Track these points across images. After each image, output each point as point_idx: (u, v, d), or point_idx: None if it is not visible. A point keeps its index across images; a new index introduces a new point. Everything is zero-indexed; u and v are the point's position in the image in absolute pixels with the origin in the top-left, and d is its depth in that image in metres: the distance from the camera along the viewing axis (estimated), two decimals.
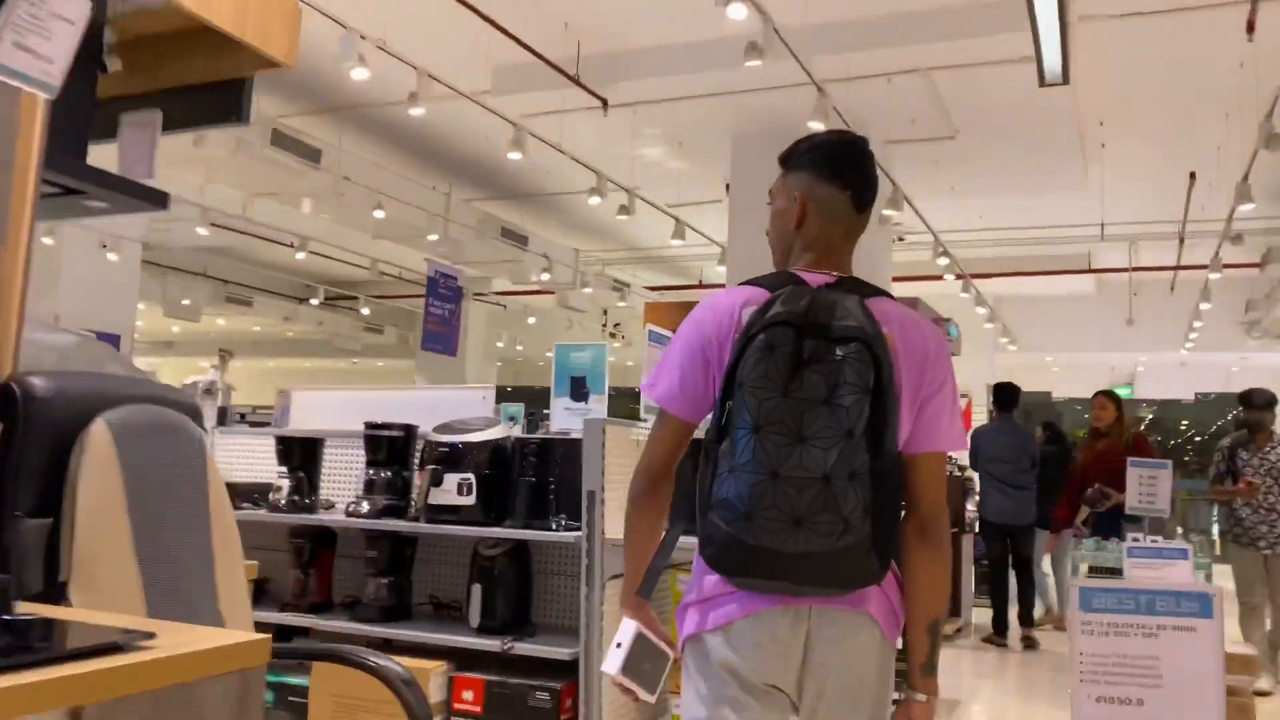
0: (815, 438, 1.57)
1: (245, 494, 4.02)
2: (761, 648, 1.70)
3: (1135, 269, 12.60)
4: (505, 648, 3.31)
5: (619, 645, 1.84)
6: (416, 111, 5.95)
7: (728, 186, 8.78)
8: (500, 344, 16.68)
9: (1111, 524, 6.11)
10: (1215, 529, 11.72)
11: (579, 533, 3.23)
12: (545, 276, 10.56)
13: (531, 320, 14.75)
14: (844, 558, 1.59)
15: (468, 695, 3.31)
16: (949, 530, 1.79)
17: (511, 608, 3.49)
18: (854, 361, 1.60)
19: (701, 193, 10.04)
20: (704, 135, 8.60)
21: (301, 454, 3.94)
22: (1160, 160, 9.30)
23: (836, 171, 1.84)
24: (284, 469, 3.93)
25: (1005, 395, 7.36)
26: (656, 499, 1.90)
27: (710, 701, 1.75)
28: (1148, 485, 5.98)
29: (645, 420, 3.62)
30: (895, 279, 9.26)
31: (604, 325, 16.27)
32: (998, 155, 8.96)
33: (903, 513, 1.78)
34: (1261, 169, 7.92)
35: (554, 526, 3.36)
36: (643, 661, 1.84)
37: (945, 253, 9.60)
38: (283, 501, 3.89)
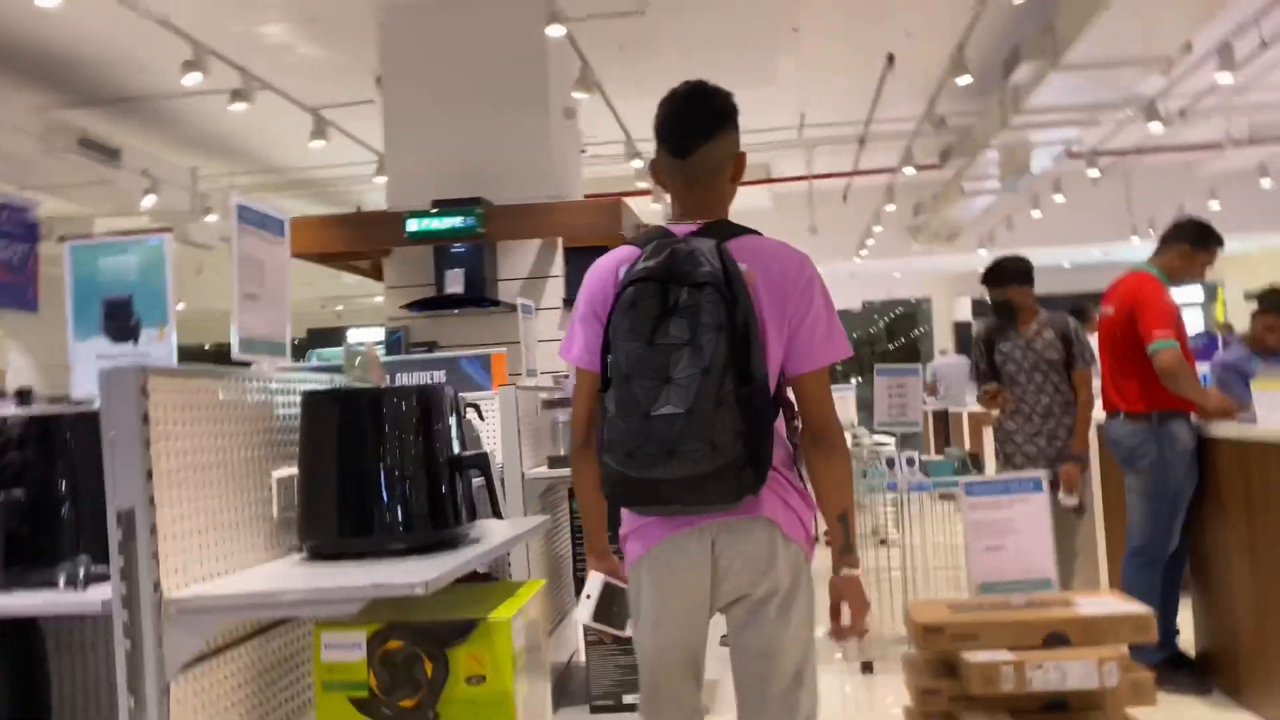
0: (680, 377, 1.75)
1: None
2: (675, 565, 1.94)
3: (815, 176, 12.25)
4: None
5: (588, 596, 2.12)
6: None
7: (379, 80, 7.09)
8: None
9: None
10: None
11: (107, 591, 1.64)
12: (150, 201, 8.30)
13: None
14: (718, 477, 1.77)
15: None
16: (842, 435, 1.98)
17: None
18: (707, 304, 1.77)
19: (349, 90, 8.25)
20: (341, 9, 6.84)
21: None
22: (854, 47, 8.68)
23: (656, 132, 2.00)
24: None
25: None
26: (592, 449, 1.96)
27: (639, 624, 2.02)
28: (896, 396, 5.18)
29: (249, 361, 2.09)
30: (588, 196, 7.91)
31: None
32: (689, 39, 7.90)
33: (796, 425, 2.01)
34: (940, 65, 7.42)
35: (66, 580, 1.74)
36: (611, 605, 2.09)
37: (638, 154, 8.47)
38: None
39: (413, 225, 5.99)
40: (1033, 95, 7.59)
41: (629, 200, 9.23)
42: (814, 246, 13.82)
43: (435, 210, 6.03)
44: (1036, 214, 11.46)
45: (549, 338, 6.39)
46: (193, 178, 9.30)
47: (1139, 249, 15.46)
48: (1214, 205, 11.63)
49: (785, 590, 1.93)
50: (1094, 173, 9.81)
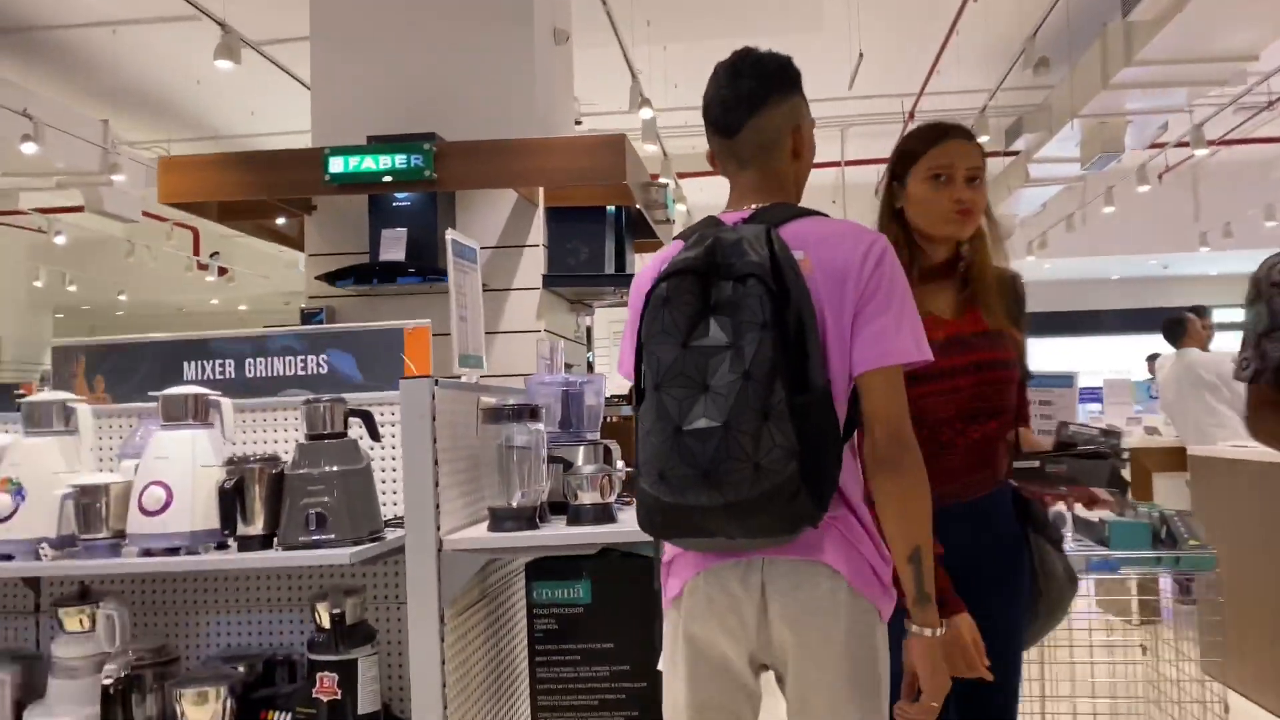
0: (718, 385, 1.52)
1: None
2: (714, 603, 1.64)
3: (851, 163, 10.62)
4: None
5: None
6: None
7: None
8: (39, 283, 12.11)
9: None
10: None
11: None
12: (29, 149, 6.61)
13: (60, 239, 10.42)
14: (765, 505, 1.50)
15: None
16: (910, 451, 1.60)
17: None
18: (749, 299, 1.54)
19: (290, 24, 6.61)
20: None
21: None
22: None
23: (704, 113, 1.77)
24: None
25: None
26: None
27: (670, 679, 1.73)
28: (1043, 419, 3.49)
29: None
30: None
31: (192, 255, 12.20)
32: None
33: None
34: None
35: None
36: None
37: (646, 102, 6.77)
38: None
39: (336, 165, 4.31)
40: (1151, 42, 5.95)
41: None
42: None
43: (370, 146, 4.36)
44: (1109, 210, 9.80)
45: (521, 328, 4.76)
46: (105, 131, 7.63)
47: (1206, 260, 13.87)
48: None
49: (852, 656, 1.59)
50: (1201, 152, 8.11)
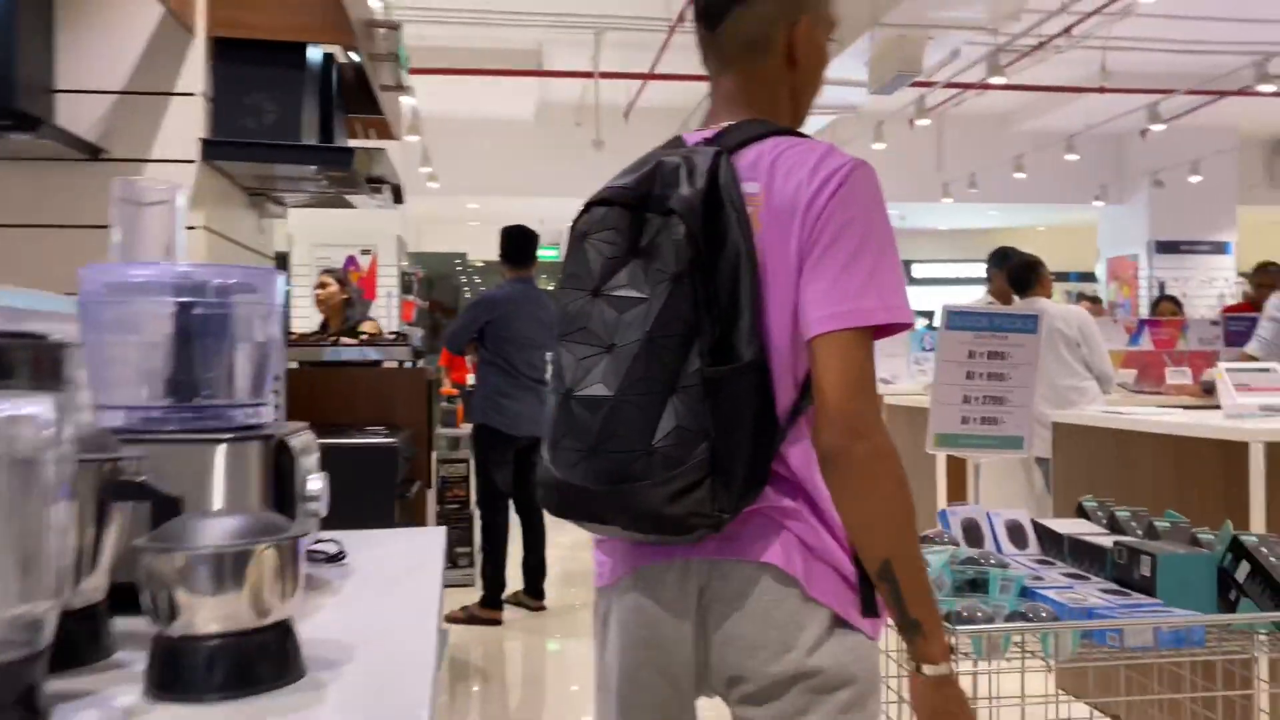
0: (622, 347, 1.26)
1: None
2: (646, 613, 1.33)
3: (606, 75, 9.26)
4: None
5: None
6: None
7: None
8: None
9: None
10: None
11: None
12: None
13: None
14: (659, 496, 1.22)
15: None
16: (864, 439, 1.22)
17: None
18: (667, 242, 1.26)
19: None
20: None
21: None
22: None
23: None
24: None
25: (521, 245, 5.18)
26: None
27: (602, 696, 1.43)
28: (984, 376, 2.37)
29: None
30: None
31: None
32: None
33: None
34: None
35: None
36: None
37: None
38: None
39: None
40: None
41: None
42: (587, 176, 10.93)
43: None
44: (879, 146, 9.11)
45: None
46: None
47: (949, 212, 13.82)
48: (1071, 158, 9.83)
49: (819, 677, 1.26)
50: (999, 82, 7.42)
